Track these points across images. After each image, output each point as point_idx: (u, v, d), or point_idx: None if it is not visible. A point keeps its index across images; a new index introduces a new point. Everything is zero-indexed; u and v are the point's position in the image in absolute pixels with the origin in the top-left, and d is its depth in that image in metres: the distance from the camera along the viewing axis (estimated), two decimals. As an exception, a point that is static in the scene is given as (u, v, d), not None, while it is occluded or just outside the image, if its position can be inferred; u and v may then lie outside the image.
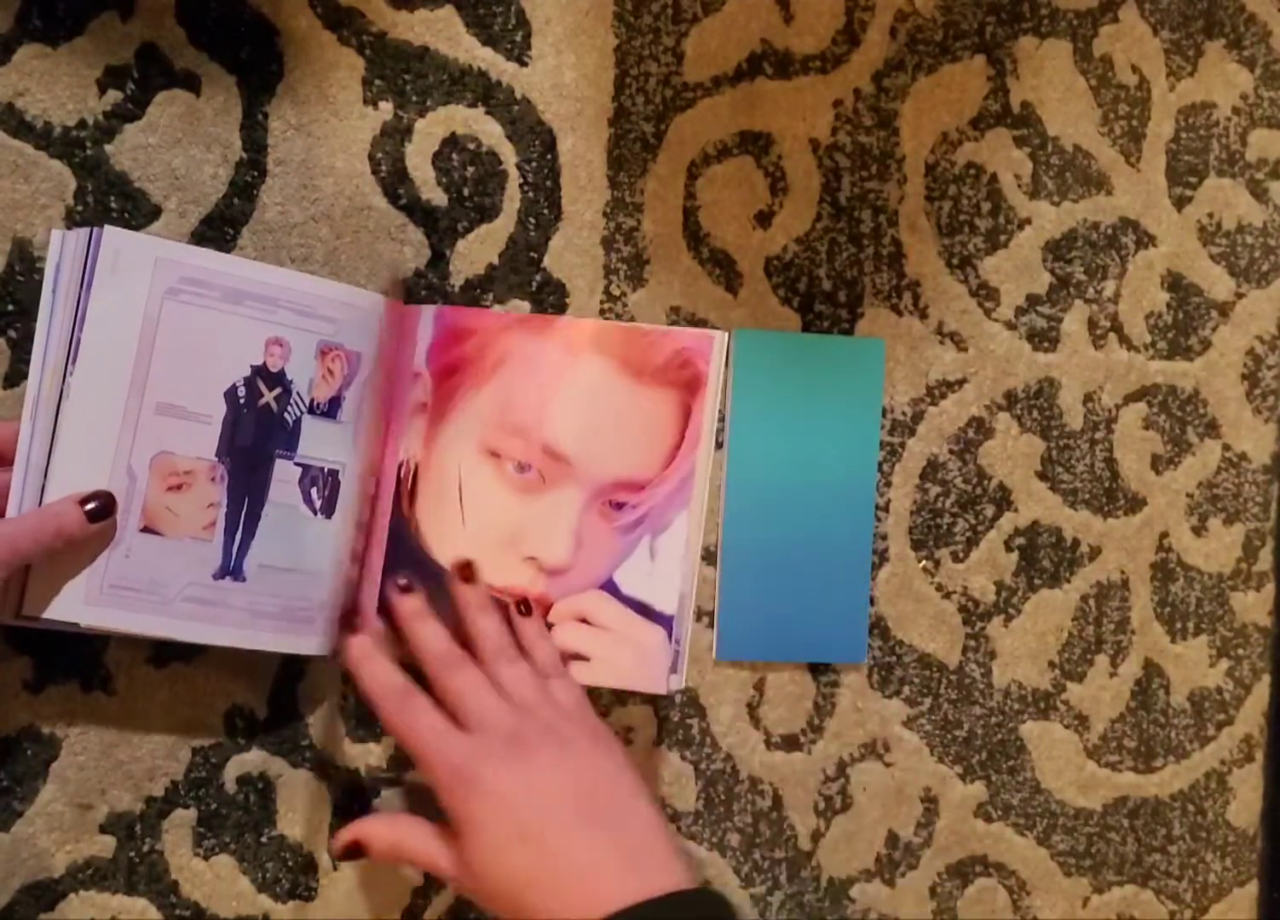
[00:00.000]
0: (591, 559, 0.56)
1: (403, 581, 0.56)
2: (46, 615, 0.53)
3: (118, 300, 0.54)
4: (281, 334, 0.57)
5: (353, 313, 0.58)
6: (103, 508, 0.53)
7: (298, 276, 0.58)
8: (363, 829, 0.57)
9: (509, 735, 0.54)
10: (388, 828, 0.57)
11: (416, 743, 0.54)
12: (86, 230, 0.54)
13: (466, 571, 0.57)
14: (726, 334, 0.60)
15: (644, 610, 0.59)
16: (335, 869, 0.63)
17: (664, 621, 0.59)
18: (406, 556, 0.58)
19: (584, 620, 0.58)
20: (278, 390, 0.57)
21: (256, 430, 0.56)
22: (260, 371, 0.56)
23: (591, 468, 0.55)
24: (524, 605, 0.57)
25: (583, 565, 0.56)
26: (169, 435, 0.55)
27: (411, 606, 0.57)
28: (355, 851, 0.57)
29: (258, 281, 0.56)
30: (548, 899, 0.51)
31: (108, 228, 0.54)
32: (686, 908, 0.50)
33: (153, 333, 0.55)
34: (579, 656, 0.58)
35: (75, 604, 0.54)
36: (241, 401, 0.56)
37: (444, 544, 0.56)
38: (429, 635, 0.56)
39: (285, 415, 0.57)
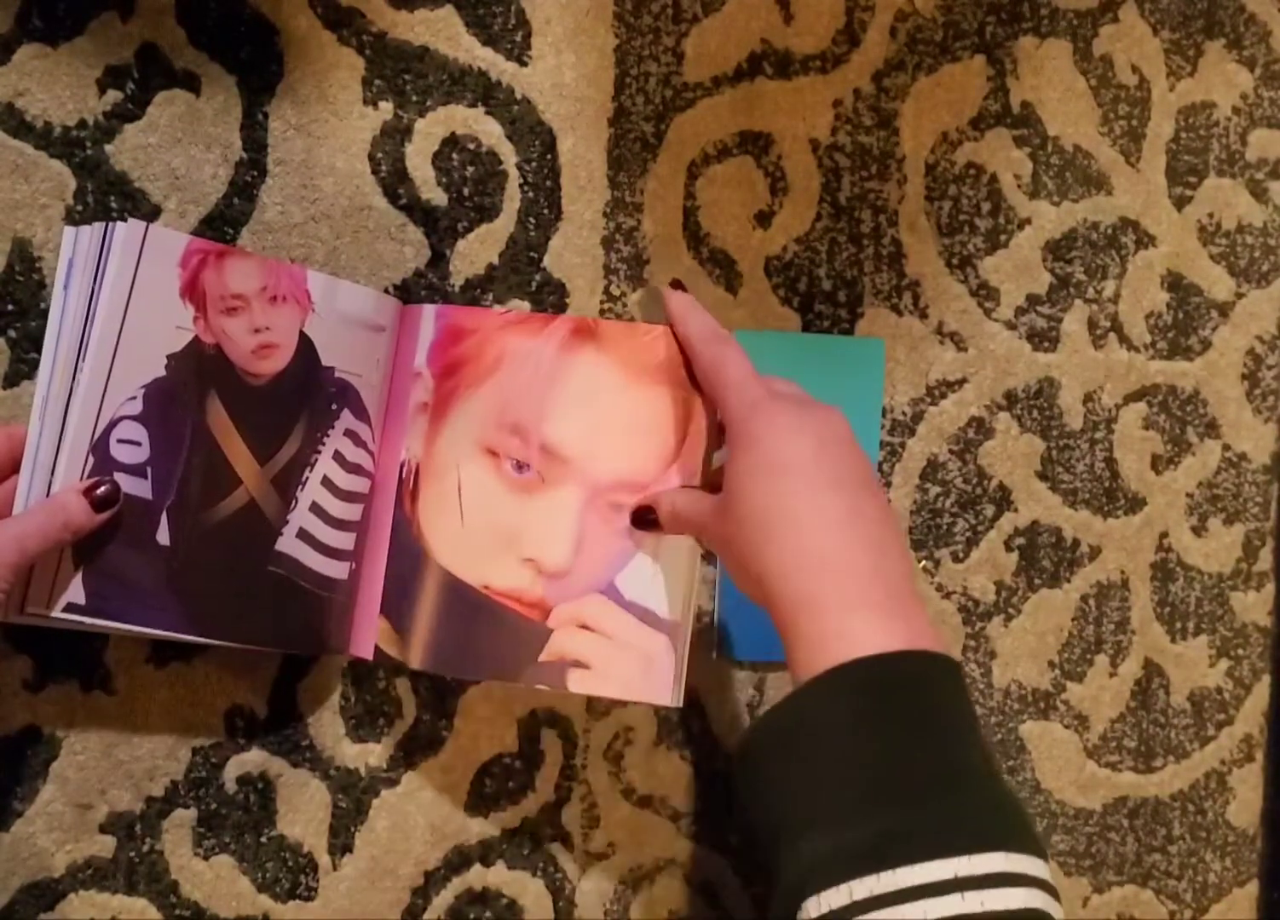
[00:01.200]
0: (592, 561, 0.55)
1: (673, 280, 0.60)
2: (51, 613, 0.53)
3: (134, 296, 0.53)
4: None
5: (364, 313, 0.59)
6: (108, 495, 0.53)
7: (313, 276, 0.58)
8: (653, 496, 0.56)
9: (787, 390, 0.54)
10: (669, 496, 0.56)
11: (724, 373, 0.54)
12: (101, 225, 0.54)
13: (676, 284, 0.61)
14: None
15: (646, 617, 0.57)
16: (335, 868, 0.63)
17: (667, 628, 0.57)
18: (407, 555, 0.57)
19: (584, 626, 0.57)
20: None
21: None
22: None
23: (591, 468, 0.55)
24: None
25: (583, 568, 0.55)
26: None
27: (685, 299, 0.57)
28: (648, 518, 0.56)
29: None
30: (800, 541, 0.49)
31: (131, 221, 0.53)
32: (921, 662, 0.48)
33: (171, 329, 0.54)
34: (579, 664, 0.56)
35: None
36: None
37: (443, 544, 0.56)
38: (698, 319, 0.56)
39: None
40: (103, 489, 0.52)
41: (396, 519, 0.57)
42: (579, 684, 0.57)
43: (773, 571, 0.49)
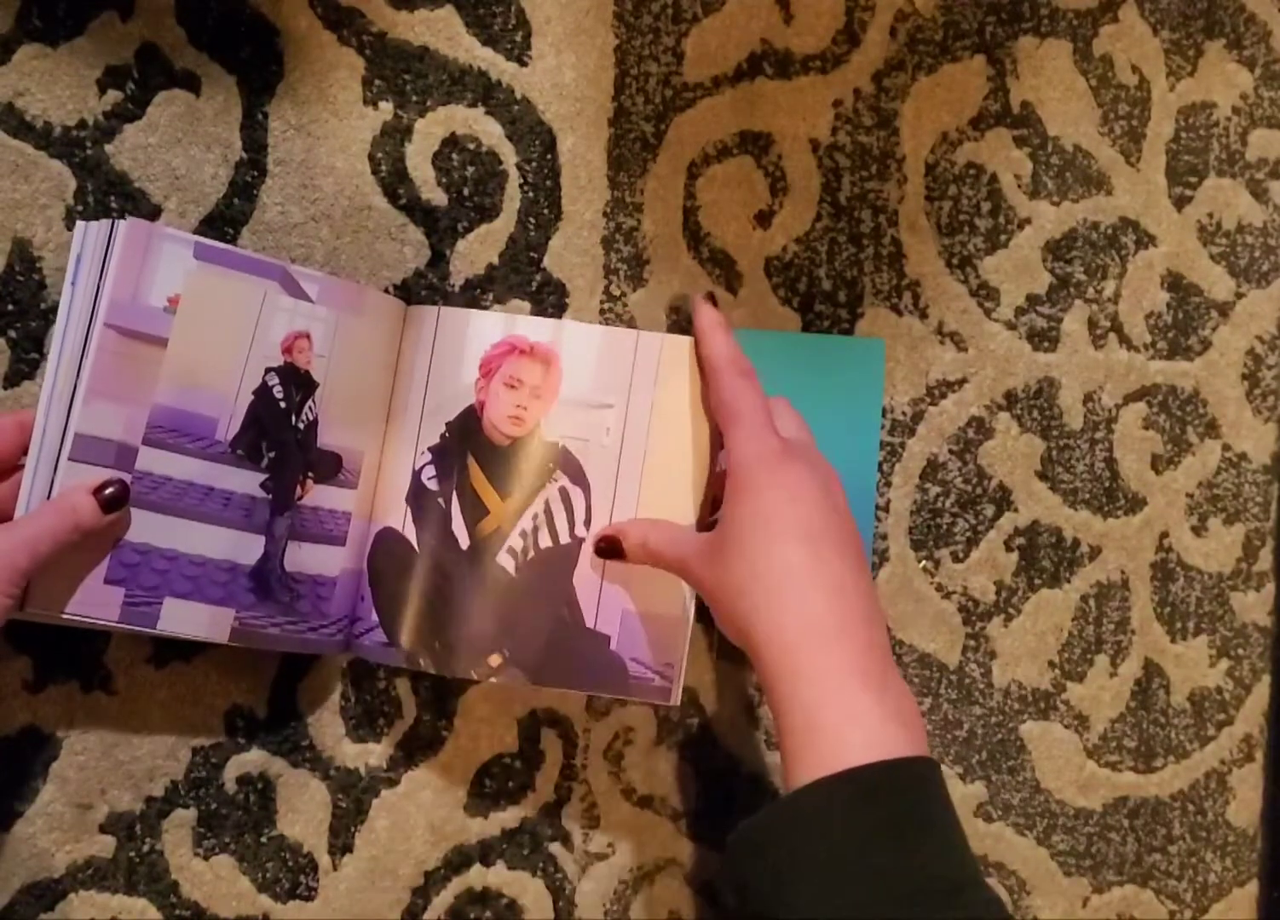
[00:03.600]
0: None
1: (708, 293, 0.61)
2: (54, 611, 0.53)
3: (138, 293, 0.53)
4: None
5: (372, 312, 0.59)
6: (117, 495, 0.52)
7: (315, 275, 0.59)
8: (619, 527, 0.58)
9: (809, 455, 0.55)
10: (637, 527, 0.58)
11: (739, 412, 0.55)
12: (108, 222, 0.53)
13: (709, 297, 0.60)
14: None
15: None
16: (335, 868, 0.63)
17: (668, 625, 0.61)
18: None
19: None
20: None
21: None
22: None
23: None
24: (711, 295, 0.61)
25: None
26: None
27: (713, 317, 0.59)
28: (612, 549, 0.58)
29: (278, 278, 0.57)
30: (801, 597, 0.50)
31: (130, 219, 0.54)
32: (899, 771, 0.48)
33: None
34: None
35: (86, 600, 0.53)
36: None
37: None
38: (722, 343, 0.58)
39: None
40: (111, 489, 0.52)
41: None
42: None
43: (765, 633, 0.50)
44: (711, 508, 0.60)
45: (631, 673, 0.60)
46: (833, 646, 0.49)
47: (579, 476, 0.60)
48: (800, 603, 0.50)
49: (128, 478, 0.53)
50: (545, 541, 0.60)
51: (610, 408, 0.61)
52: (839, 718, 0.48)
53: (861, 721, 0.47)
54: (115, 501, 0.52)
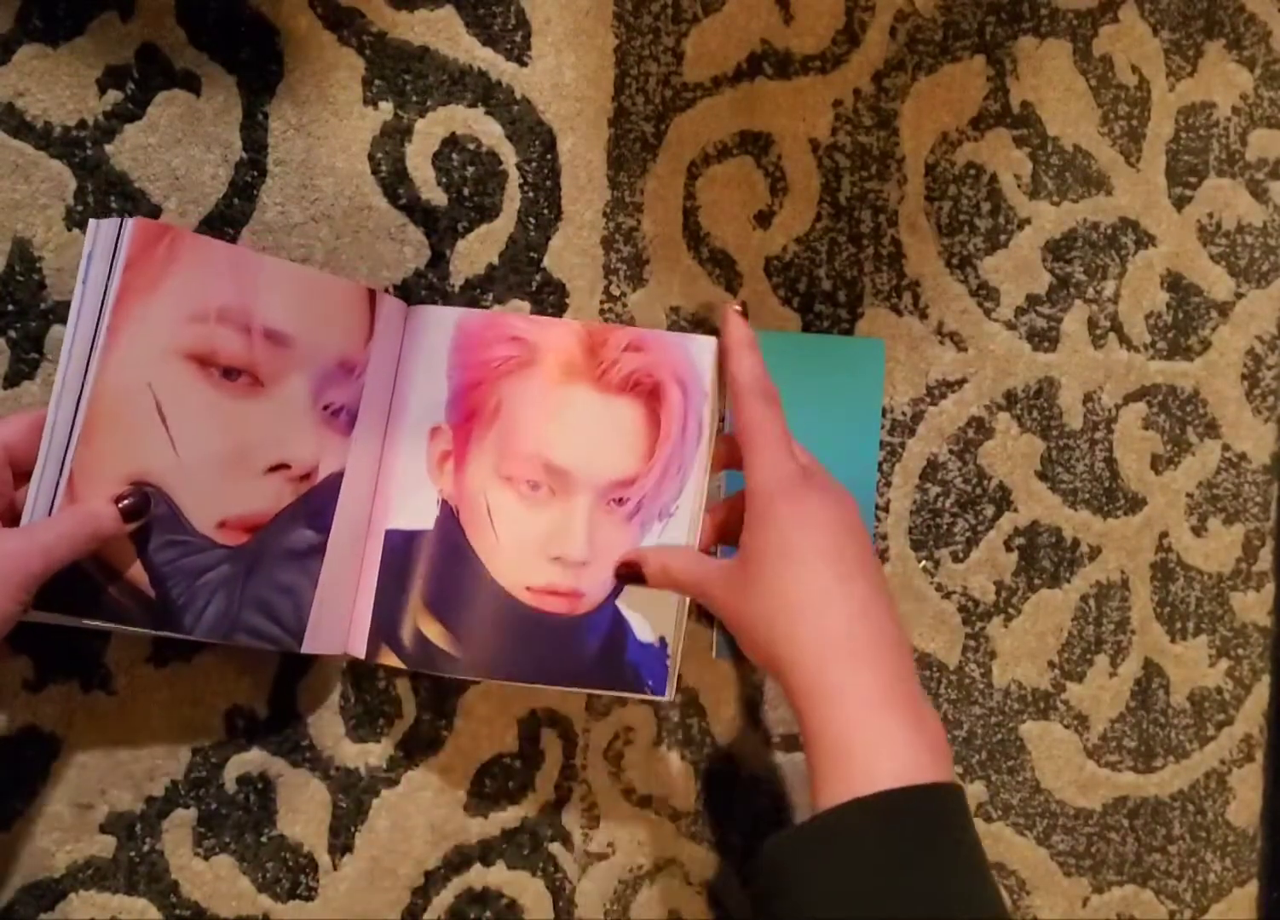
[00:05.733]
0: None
1: (739, 308, 0.59)
2: (67, 612, 0.52)
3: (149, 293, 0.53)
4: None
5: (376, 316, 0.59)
6: (138, 506, 0.52)
7: (320, 275, 0.58)
8: (639, 553, 0.59)
9: (814, 470, 0.55)
10: (657, 553, 0.58)
11: (760, 438, 0.55)
12: (118, 220, 0.53)
13: (744, 310, 0.59)
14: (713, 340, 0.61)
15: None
16: (335, 868, 0.63)
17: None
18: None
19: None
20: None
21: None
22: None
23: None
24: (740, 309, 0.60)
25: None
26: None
27: (744, 334, 0.58)
28: (632, 575, 0.58)
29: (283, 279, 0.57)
30: (828, 624, 0.50)
31: (142, 219, 0.53)
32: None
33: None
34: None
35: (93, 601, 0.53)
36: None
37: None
38: (750, 364, 0.57)
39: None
40: (131, 499, 0.52)
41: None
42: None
43: (794, 656, 0.50)
44: (716, 534, 0.61)
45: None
46: (862, 669, 0.49)
47: None
48: (827, 625, 0.50)
49: (149, 489, 0.53)
50: None
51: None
52: (870, 741, 0.48)
53: (892, 747, 0.47)
54: (135, 511, 0.52)
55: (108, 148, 0.59)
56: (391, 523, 0.60)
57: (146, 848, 0.61)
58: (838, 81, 0.70)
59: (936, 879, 0.46)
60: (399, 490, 0.60)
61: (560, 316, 0.66)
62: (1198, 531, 0.78)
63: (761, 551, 0.52)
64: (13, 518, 0.53)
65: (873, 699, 0.48)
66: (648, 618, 0.60)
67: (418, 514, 0.60)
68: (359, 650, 0.60)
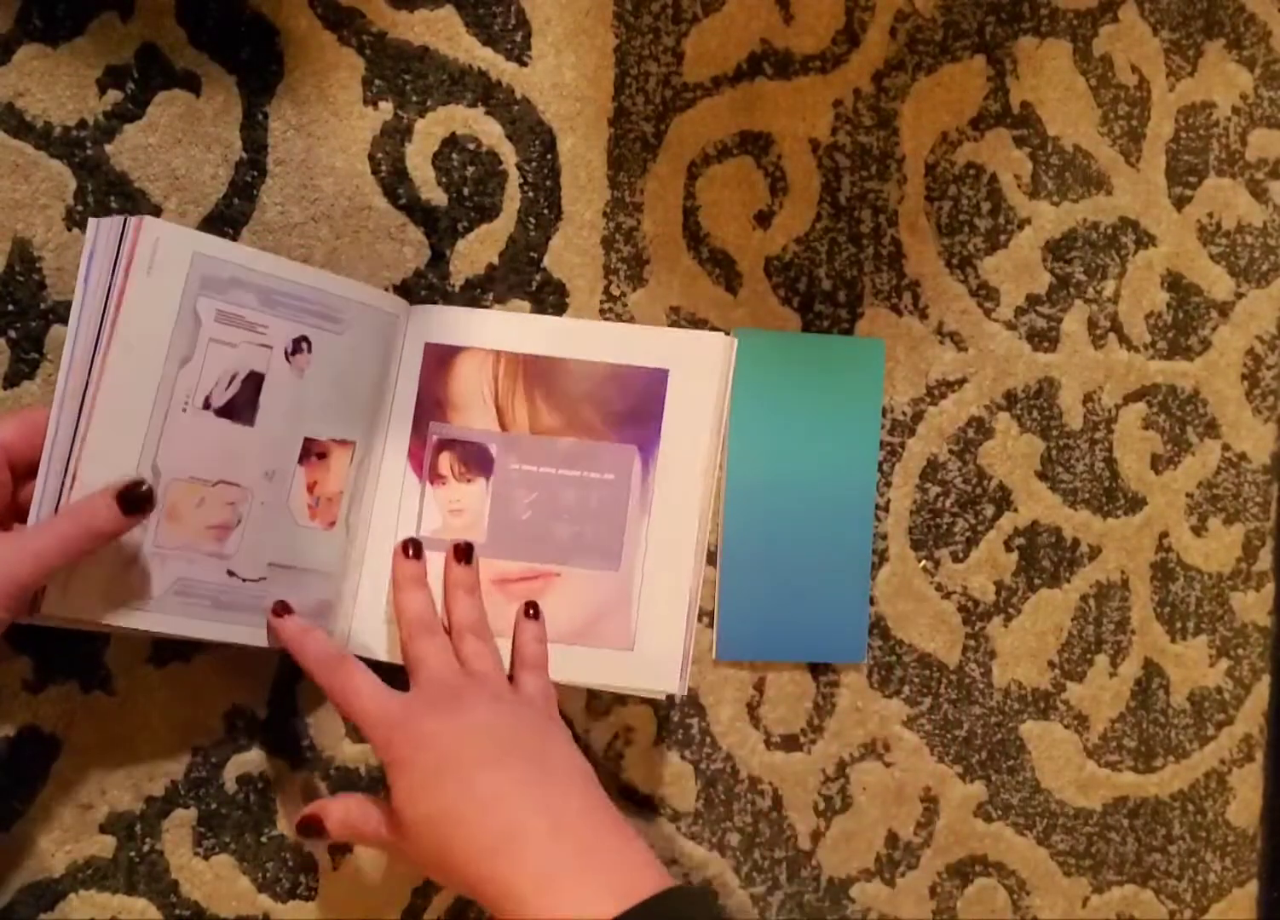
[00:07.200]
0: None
1: (410, 547, 0.59)
2: (68, 615, 0.52)
3: (152, 293, 0.53)
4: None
5: (378, 317, 0.59)
6: (138, 499, 0.50)
7: (329, 277, 0.58)
8: (321, 805, 0.58)
9: (451, 692, 0.55)
10: (339, 805, 0.58)
11: (354, 701, 0.54)
12: (119, 219, 0.53)
13: (460, 553, 0.60)
14: (731, 337, 0.61)
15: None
16: (335, 868, 0.63)
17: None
18: None
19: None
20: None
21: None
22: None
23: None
24: (532, 609, 0.60)
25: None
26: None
27: (411, 572, 0.59)
28: (314, 828, 0.57)
29: (291, 282, 0.56)
30: (470, 830, 0.51)
31: (147, 218, 0.53)
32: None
33: (187, 328, 0.54)
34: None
35: (94, 604, 0.53)
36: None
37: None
38: (414, 600, 0.58)
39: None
40: (132, 492, 0.50)
41: None
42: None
43: (461, 871, 0.51)
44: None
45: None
46: (514, 857, 0.50)
47: None
48: (466, 834, 0.51)
49: (153, 480, 0.53)
50: None
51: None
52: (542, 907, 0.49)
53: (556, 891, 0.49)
54: (136, 503, 0.50)
55: (108, 148, 0.59)
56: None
57: (146, 848, 0.61)
58: (838, 81, 0.70)
59: None
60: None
61: (560, 316, 0.66)
62: (1198, 531, 0.78)
63: (399, 792, 0.53)
64: (14, 518, 0.53)
65: (542, 875, 0.49)
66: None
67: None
68: None
